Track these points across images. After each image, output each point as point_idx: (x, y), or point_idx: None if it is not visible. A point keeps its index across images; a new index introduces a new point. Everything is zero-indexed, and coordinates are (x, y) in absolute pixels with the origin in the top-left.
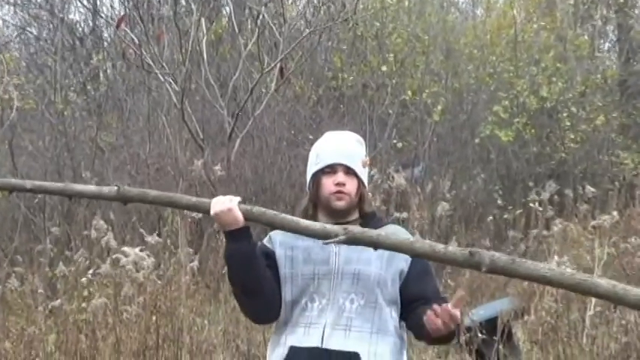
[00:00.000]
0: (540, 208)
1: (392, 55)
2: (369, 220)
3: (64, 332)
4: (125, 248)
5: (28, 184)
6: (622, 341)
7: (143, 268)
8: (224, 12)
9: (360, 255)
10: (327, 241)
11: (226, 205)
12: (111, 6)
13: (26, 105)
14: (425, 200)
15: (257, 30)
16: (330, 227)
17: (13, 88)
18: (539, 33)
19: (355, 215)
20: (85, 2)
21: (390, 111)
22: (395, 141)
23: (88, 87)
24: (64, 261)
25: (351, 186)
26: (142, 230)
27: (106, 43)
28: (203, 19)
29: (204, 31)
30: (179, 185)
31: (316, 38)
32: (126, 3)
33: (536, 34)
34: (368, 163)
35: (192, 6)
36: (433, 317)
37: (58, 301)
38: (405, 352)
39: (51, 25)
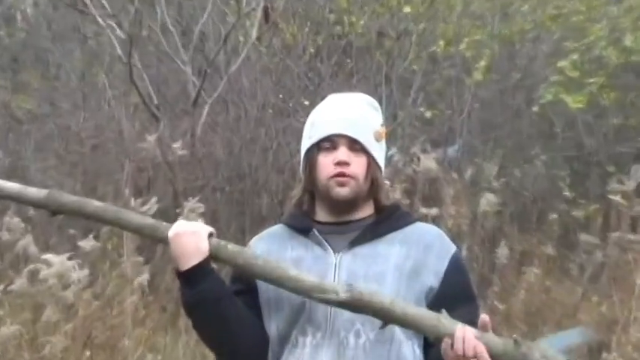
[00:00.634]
0: (624, 202)
1: None
2: (387, 216)
3: None
4: (48, 256)
5: None
6: None
7: (73, 284)
8: None
9: (370, 268)
10: (322, 297)
11: (191, 227)
12: None
13: None
14: (463, 191)
15: None
16: (328, 283)
17: None
18: None
19: (368, 210)
20: None
21: (416, 68)
22: (422, 109)
23: (0, 32)
24: None
25: (357, 166)
26: (72, 231)
27: None
28: None
29: None
30: (125, 168)
31: None
32: None
33: None
34: (384, 134)
35: None
36: (449, 350)
37: None
38: None
39: None
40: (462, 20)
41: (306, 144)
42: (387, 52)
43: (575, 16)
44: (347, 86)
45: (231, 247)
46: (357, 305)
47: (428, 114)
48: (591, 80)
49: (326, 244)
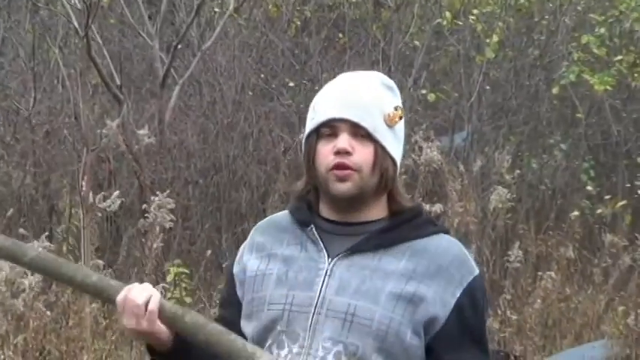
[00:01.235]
0: None
1: None
2: (400, 223)
3: None
4: None
5: None
6: None
7: (24, 291)
8: None
9: (365, 282)
10: None
11: (138, 310)
12: None
13: None
14: (471, 185)
15: None
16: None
17: None
18: None
19: (379, 211)
20: None
21: (417, 43)
22: (424, 91)
23: None
24: None
25: (361, 156)
26: (22, 230)
27: None
28: None
29: None
30: (82, 159)
31: None
32: None
33: None
34: (398, 117)
35: None
36: None
37: None
38: None
39: None
40: None
41: (306, 130)
42: (385, 25)
43: None
44: (338, 64)
45: (186, 317)
46: None
47: (431, 97)
48: (619, 58)
49: (321, 245)
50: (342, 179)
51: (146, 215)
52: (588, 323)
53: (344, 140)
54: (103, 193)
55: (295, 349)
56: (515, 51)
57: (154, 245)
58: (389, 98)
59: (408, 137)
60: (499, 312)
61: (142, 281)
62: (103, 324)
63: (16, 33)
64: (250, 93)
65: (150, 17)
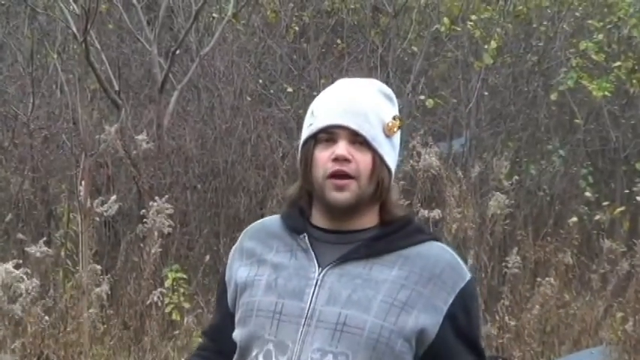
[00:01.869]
0: None
1: None
2: (392, 231)
3: None
4: None
5: None
6: None
7: (21, 296)
8: None
9: (356, 292)
10: None
11: None
12: None
13: None
14: (470, 190)
15: None
16: None
17: None
18: None
19: (371, 219)
20: None
21: (416, 49)
22: (423, 97)
23: None
24: None
25: (359, 164)
26: (21, 235)
27: None
28: None
29: None
30: (80, 164)
31: None
32: None
33: None
34: (397, 127)
35: None
36: None
37: None
38: None
39: None
40: None
41: (303, 135)
42: (383, 31)
43: None
44: (336, 70)
45: None
46: None
47: (430, 102)
48: (617, 64)
49: (312, 254)
50: (340, 188)
51: (144, 220)
52: (586, 329)
53: (343, 147)
54: (101, 198)
55: (283, 359)
56: (514, 57)
57: (152, 250)
58: (388, 108)
59: (406, 143)
60: (497, 318)
61: (140, 286)
62: (101, 329)
63: (14, 38)
64: (249, 98)
65: (148, 23)
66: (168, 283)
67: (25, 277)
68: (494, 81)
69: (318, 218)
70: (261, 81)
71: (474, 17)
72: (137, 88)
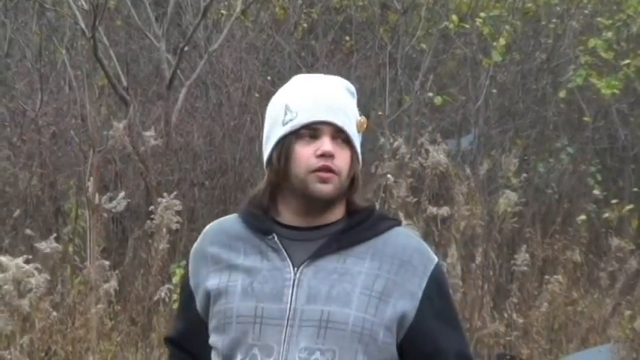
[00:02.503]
0: None
1: None
2: (358, 223)
3: None
4: (2, 259)
5: None
6: None
7: (30, 291)
8: None
9: (334, 287)
10: None
11: None
12: None
13: None
14: (478, 188)
15: None
16: None
17: None
18: None
19: (339, 213)
20: None
21: (424, 46)
22: (431, 94)
23: None
24: None
25: (341, 160)
26: (29, 231)
27: None
28: None
29: None
30: (89, 160)
31: None
32: None
33: None
34: (365, 125)
35: None
36: None
37: None
38: None
39: None
40: None
41: (278, 130)
42: (392, 28)
43: None
44: (345, 67)
45: None
46: None
47: (438, 100)
48: (626, 62)
49: (285, 254)
50: (324, 181)
51: (152, 217)
52: (594, 327)
53: (328, 143)
54: (109, 194)
55: None
56: (522, 54)
57: (160, 247)
58: (354, 105)
59: (414, 140)
60: (505, 315)
61: (147, 282)
62: (108, 325)
63: (23, 34)
64: (257, 95)
65: (157, 19)
66: (175, 279)
67: (34, 272)
68: (502, 78)
69: (287, 216)
70: (269, 78)
71: (482, 14)
72: (145, 84)
